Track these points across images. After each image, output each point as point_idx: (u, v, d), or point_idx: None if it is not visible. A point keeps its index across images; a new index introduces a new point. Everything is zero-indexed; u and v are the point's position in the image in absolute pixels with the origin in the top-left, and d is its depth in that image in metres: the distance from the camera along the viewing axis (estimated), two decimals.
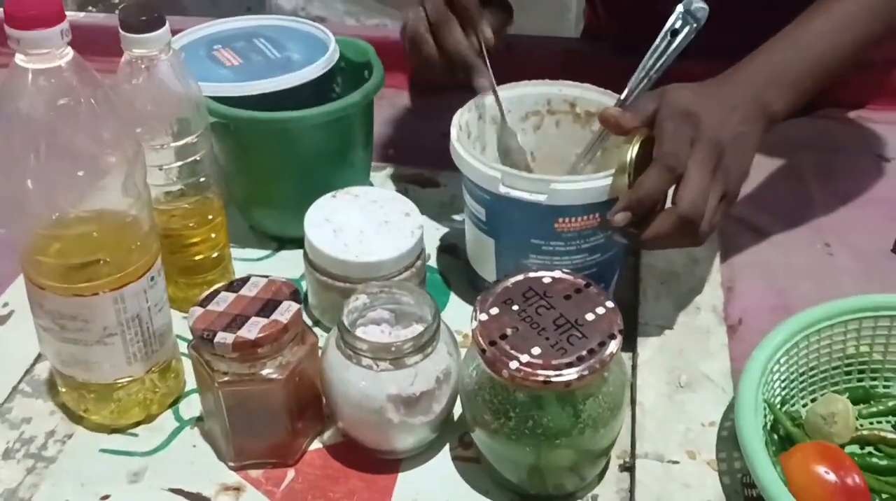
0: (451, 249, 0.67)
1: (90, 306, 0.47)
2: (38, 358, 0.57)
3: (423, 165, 0.74)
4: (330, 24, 0.76)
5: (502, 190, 0.55)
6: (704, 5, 0.55)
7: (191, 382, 0.55)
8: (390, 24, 1.87)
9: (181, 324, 0.54)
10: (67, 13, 0.44)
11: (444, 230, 0.68)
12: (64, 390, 0.52)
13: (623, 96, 0.57)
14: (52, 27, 0.43)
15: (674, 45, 0.55)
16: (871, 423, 0.51)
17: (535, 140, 0.64)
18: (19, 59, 0.44)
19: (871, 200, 0.71)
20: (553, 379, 0.43)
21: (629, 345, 0.55)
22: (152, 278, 0.49)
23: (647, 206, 0.51)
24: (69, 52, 0.44)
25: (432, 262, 0.66)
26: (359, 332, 0.49)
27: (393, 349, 0.47)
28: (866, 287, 0.55)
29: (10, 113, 0.44)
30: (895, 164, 0.75)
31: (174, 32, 0.55)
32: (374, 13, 1.96)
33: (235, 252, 0.64)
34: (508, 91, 0.62)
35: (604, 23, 0.91)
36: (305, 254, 0.59)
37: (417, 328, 0.50)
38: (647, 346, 0.56)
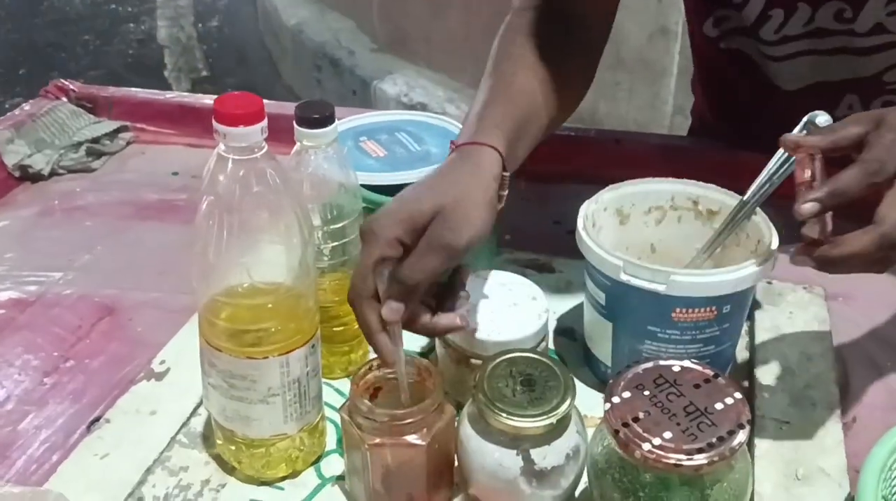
0: (568, 332, 0.71)
1: (259, 368, 0.53)
2: (194, 411, 0.62)
3: (538, 251, 0.79)
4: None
5: (623, 277, 0.59)
6: (829, 117, 0.58)
7: (330, 443, 0.60)
8: None
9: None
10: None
11: (561, 312, 0.72)
12: (221, 442, 0.57)
13: (746, 198, 0.61)
14: (254, 125, 0.50)
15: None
16: None
17: (657, 233, 0.68)
18: (221, 149, 0.51)
19: None
20: (684, 463, 0.46)
21: None
22: (312, 346, 0.55)
23: (837, 202, 0.50)
24: (264, 146, 0.51)
25: (549, 343, 0.69)
26: None
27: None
28: None
29: (210, 193, 0.51)
30: None
31: None
32: (472, 100, 2.07)
33: None
34: (635, 186, 0.66)
35: (711, 122, 0.95)
36: None
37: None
38: (765, 438, 0.58)
